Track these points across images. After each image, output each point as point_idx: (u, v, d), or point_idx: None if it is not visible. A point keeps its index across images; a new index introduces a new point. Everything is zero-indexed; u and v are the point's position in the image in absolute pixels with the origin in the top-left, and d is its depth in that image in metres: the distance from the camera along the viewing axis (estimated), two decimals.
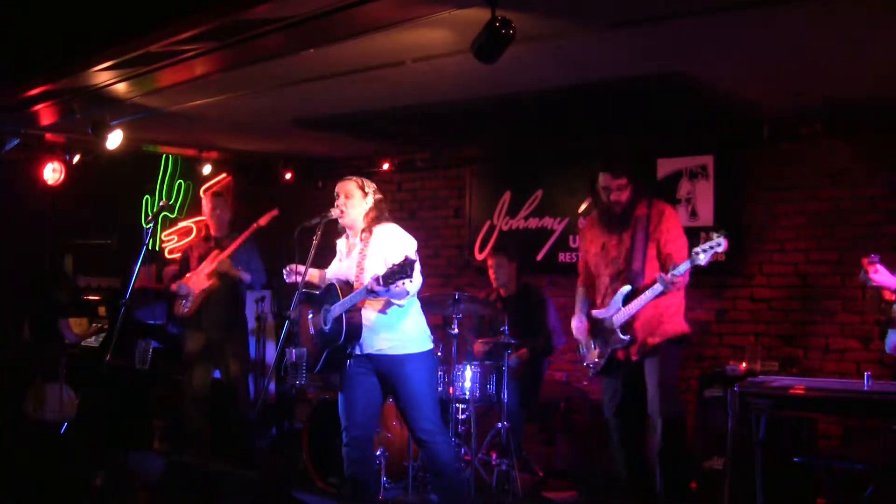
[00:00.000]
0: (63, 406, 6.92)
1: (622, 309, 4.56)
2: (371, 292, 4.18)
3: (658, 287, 4.41)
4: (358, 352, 4.46)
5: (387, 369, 4.45)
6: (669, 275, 4.34)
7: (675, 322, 4.64)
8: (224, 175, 9.21)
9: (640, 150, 6.70)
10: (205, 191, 6.66)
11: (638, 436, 4.78)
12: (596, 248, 4.85)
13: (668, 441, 4.51)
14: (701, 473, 5.53)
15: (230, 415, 6.50)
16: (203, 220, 6.80)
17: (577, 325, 4.88)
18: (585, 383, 4.95)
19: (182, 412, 6.61)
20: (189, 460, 4.89)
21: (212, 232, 6.57)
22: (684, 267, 4.32)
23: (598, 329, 4.72)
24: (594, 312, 4.75)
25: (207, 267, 6.31)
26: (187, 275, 6.41)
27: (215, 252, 6.34)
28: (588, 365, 4.78)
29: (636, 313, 4.54)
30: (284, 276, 4.68)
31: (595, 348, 4.74)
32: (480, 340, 6.34)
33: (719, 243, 4.22)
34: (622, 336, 4.54)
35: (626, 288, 4.55)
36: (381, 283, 4.07)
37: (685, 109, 6.12)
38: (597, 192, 4.81)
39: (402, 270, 4.02)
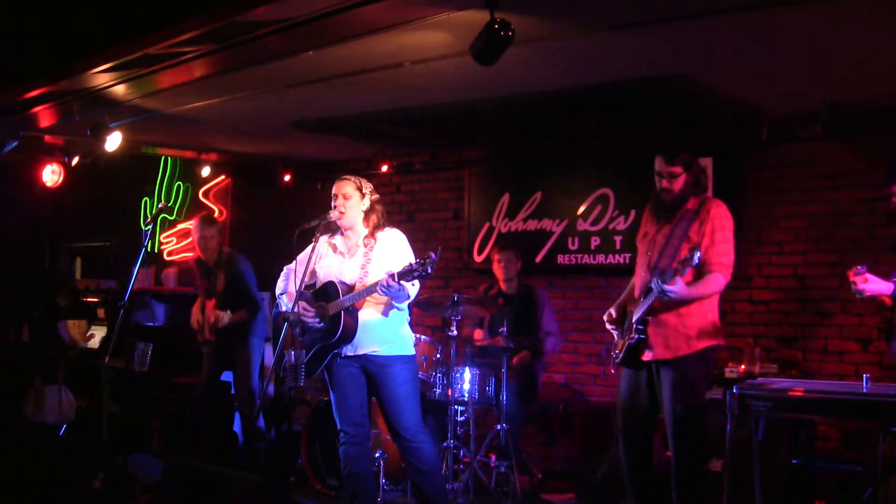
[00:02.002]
0: (62, 408, 6.92)
1: (641, 303, 4.41)
2: (386, 288, 4.21)
3: (652, 295, 4.21)
4: (351, 352, 4.49)
5: (374, 370, 4.51)
6: (655, 284, 4.14)
7: (705, 333, 4.33)
8: (223, 177, 9.23)
9: (640, 152, 6.69)
10: (197, 216, 6.71)
11: (643, 439, 4.57)
12: (640, 236, 4.69)
13: (681, 452, 4.31)
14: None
15: (234, 418, 6.52)
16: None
17: (606, 314, 4.71)
18: (613, 370, 4.77)
19: (186, 412, 6.64)
20: (188, 462, 4.88)
21: (201, 256, 6.61)
22: (670, 275, 4.11)
23: (624, 320, 4.58)
24: (630, 306, 4.59)
25: (210, 318, 6.44)
26: (205, 310, 6.53)
27: (212, 303, 6.43)
28: (614, 353, 4.67)
29: (655, 314, 4.33)
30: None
31: (621, 338, 4.58)
32: (479, 329, 6.36)
33: (691, 257, 4.00)
34: (633, 333, 4.38)
35: (651, 281, 4.29)
36: (396, 279, 4.13)
37: (684, 111, 6.13)
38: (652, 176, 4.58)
39: (421, 268, 4.07)
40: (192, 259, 6.87)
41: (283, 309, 4.62)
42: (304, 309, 4.50)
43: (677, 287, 4.12)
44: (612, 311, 4.67)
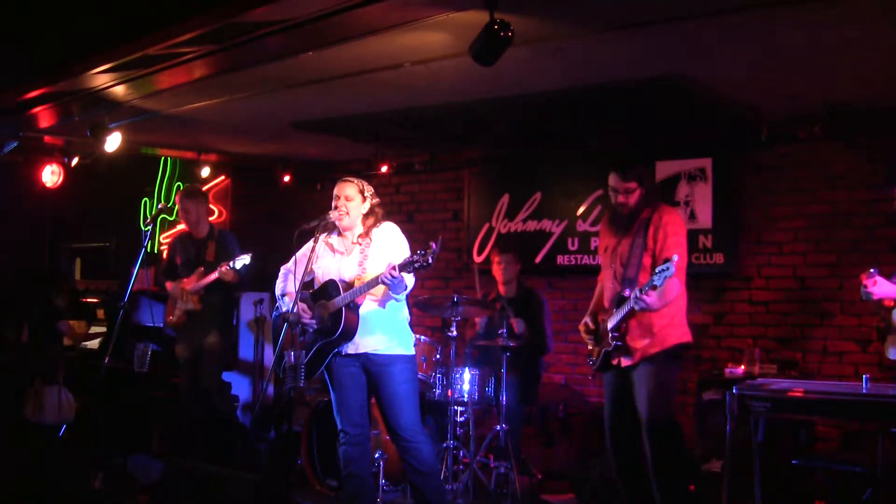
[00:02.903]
0: (62, 409, 6.92)
1: (614, 313, 4.53)
2: (389, 279, 4.22)
3: (630, 304, 4.33)
4: (352, 350, 4.50)
5: (374, 369, 4.52)
6: (633, 295, 4.27)
7: (672, 331, 4.48)
8: (223, 178, 9.23)
9: (639, 153, 6.70)
10: (177, 192, 6.54)
11: (631, 441, 4.65)
12: (601, 249, 4.82)
13: (658, 450, 4.40)
14: (699, 476, 5.53)
15: (216, 416, 6.41)
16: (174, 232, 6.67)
17: (582, 323, 4.84)
18: (591, 377, 4.88)
19: (179, 414, 6.61)
20: (188, 463, 4.88)
21: (191, 231, 6.44)
22: (647, 286, 4.19)
23: (599, 328, 4.71)
24: (602, 315, 4.71)
25: (192, 285, 6.20)
26: (178, 282, 6.33)
27: (200, 270, 6.20)
28: (590, 361, 4.77)
29: (629, 320, 4.46)
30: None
31: (596, 346, 4.72)
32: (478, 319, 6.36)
33: (668, 268, 4.08)
34: (610, 340, 4.51)
35: (620, 293, 4.49)
36: (398, 270, 4.17)
37: (684, 112, 6.13)
38: (607, 191, 4.71)
39: (422, 258, 4.10)
40: (175, 236, 6.71)
41: (285, 310, 4.62)
42: (303, 311, 4.51)
43: (651, 299, 4.26)
44: (588, 321, 4.80)
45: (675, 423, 4.55)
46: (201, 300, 6.22)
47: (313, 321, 4.49)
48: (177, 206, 6.44)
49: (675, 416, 4.57)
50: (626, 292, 4.40)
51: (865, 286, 4.29)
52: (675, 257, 4.10)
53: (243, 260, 5.88)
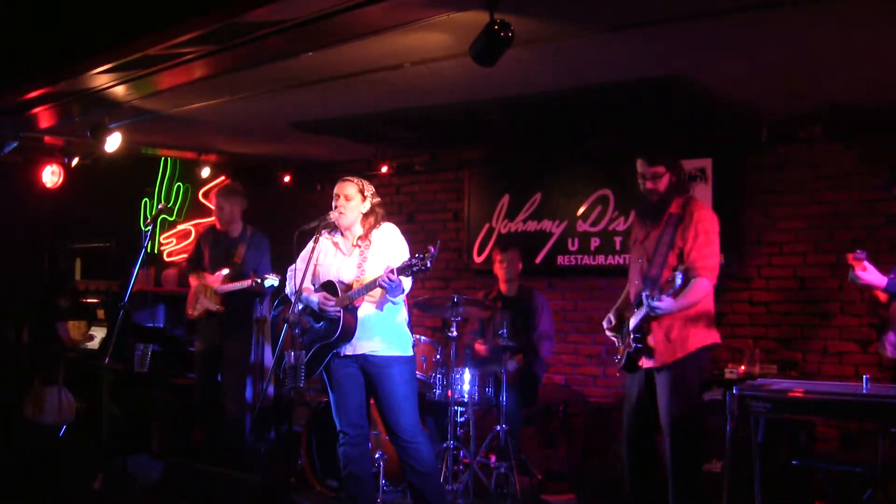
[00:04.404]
0: (62, 409, 6.92)
1: (636, 312, 4.45)
2: (387, 282, 4.22)
3: (644, 308, 4.25)
4: (350, 351, 4.50)
5: (373, 370, 4.53)
6: (651, 302, 4.17)
7: (696, 334, 4.38)
8: (223, 178, 9.22)
9: (639, 153, 6.69)
10: (214, 190, 6.48)
11: (646, 442, 4.62)
12: (631, 242, 4.70)
13: (677, 454, 4.36)
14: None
15: (221, 418, 6.38)
16: (204, 223, 6.63)
17: (606, 320, 4.75)
18: (618, 374, 4.81)
19: (185, 414, 6.59)
20: (188, 464, 4.89)
21: (223, 228, 6.41)
22: (664, 295, 4.12)
23: (623, 326, 4.61)
24: (627, 312, 4.61)
25: (219, 285, 6.14)
26: (204, 277, 6.28)
27: (226, 271, 6.15)
28: (616, 358, 4.70)
29: (650, 321, 4.38)
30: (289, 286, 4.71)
31: (621, 344, 4.63)
32: (480, 340, 6.34)
33: (674, 278, 4.01)
34: (631, 342, 4.45)
35: (643, 292, 4.36)
36: (396, 274, 4.17)
37: (684, 112, 6.12)
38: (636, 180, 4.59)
39: (421, 262, 4.10)
40: (205, 227, 6.64)
41: (301, 307, 4.60)
42: (326, 298, 4.49)
43: (665, 304, 4.19)
44: (612, 317, 4.73)
45: (698, 428, 4.41)
46: (223, 302, 6.17)
47: (337, 308, 4.47)
48: (214, 206, 6.40)
49: (700, 421, 4.43)
50: (646, 292, 4.29)
51: (853, 267, 4.26)
52: (681, 276, 4.01)
53: (272, 280, 5.83)
